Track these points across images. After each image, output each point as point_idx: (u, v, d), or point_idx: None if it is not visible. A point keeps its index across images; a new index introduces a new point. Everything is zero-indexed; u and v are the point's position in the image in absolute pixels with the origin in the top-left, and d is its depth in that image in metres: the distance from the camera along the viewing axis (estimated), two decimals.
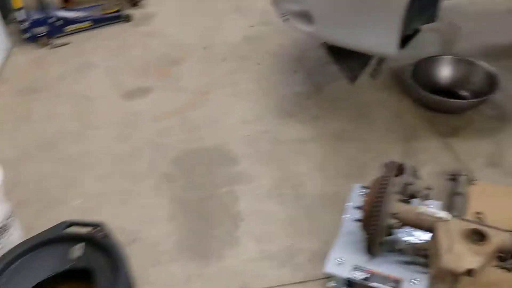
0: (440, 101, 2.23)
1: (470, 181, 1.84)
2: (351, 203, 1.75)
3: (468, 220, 1.47)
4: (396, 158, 1.93)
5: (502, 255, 1.38)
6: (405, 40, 1.93)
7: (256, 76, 2.66)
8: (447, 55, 2.40)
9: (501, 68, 2.34)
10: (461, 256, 1.33)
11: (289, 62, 2.74)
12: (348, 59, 2.11)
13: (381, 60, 2.06)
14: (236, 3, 3.39)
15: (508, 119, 2.21)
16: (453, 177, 1.88)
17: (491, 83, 2.20)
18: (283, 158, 2.11)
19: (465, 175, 1.85)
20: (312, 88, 2.51)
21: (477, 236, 1.38)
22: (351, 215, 1.69)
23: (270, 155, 2.14)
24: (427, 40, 2.65)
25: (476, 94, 2.21)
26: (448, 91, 2.32)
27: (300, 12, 1.95)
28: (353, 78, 2.13)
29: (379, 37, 1.79)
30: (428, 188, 1.58)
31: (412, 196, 1.56)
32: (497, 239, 1.37)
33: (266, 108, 2.41)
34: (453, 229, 1.40)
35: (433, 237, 1.44)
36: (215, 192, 1.98)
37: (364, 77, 2.28)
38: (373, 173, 1.60)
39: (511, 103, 2.28)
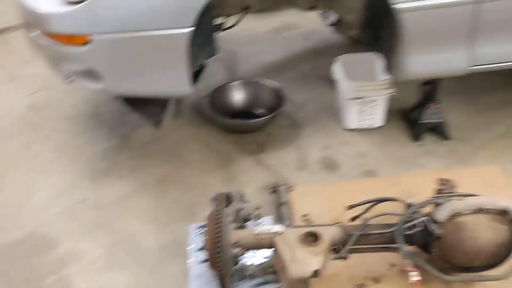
0: (240, 124, 2.39)
1: (289, 188, 2.00)
2: (192, 246, 1.74)
3: (299, 226, 1.59)
4: (219, 187, 2.00)
5: (335, 247, 1.53)
6: (195, 76, 2.02)
7: (55, 143, 2.46)
8: (235, 81, 2.59)
9: (282, 81, 2.63)
10: (304, 261, 1.43)
11: (87, 120, 2.61)
12: (146, 106, 2.11)
13: (179, 99, 2.11)
14: (10, 72, 3.10)
15: (300, 125, 2.47)
16: (274, 189, 2.02)
17: (279, 97, 2.44)
18: (110, 222, 1.99)
19: (282, 184, 2.00)
20: (120, 141, 2.43)
21: (312, 238, 1.51)
22: (196, 258, 1.68)
23: (95, 223, 2.00)
24: (215, 71, 2.82)
25: (270, 110, 2.42)
26: (246, 112, 2.49)
27: (84, 71, 1.87)
28: (157, 122, 2.14)
29: (170, 81, 1.84)
30: (257, 208, 1.67)
31: (246, 220, 1.63)
32: (327, 235, 1.52)
33: (76, 174, 2.25)
34: (290, 239, 1.50)
35: (275, 252, 1.52)
36: (42, 285, 1.76)
37: (168, 118, 2.31)
38: (204, 210, 1.63)
39: (298, 110, 2.56)
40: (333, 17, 2.32)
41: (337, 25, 2.27)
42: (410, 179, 2.04)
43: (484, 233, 1.45)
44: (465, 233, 1.45)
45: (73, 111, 2.70)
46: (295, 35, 3.31)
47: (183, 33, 1.69)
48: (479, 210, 1.45)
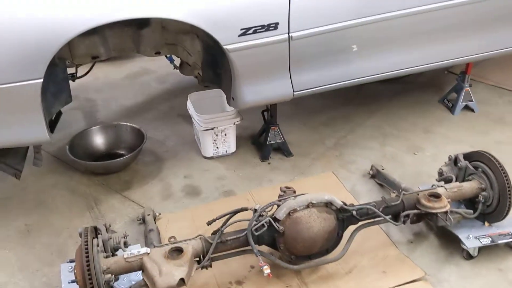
0: (102, 165, 2.51)
1: (156, 217, 2.18)
2: (65, 283, 1.81)
3: (163, 245, 1.77)
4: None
5: (198, 258, 1.73)
6: (52, 124, 2.12)
7: None
8: (96, 126, 2.71)
9: (143, 122, 2.82)
10: (170, 272, 1.61)
11: None
12: (3, 157, 2.14)
13: (38, 147, 2.18)
14: None
15: (163, 159, 2.67)
16: (143, 219, 2.17)
17: (139, 136, 2.61)
18: None
19: (149, 214, 2.16)
20: None
21: (176, 252, 1.69)
22: None
23: None
24: (75, 119, 2.91)
25: (132, 149, 2.58)
26: (109, 154, 2.62)
27: None
28: (17, 173, 2.17)
29: (28, 129, 1.92)
30: (125, 236, 1.81)
31: (116, 248, 1.75)
32: (190, 248, 1.71)
33: None
34: (156, 257, 1.67)
35: (144, 272, 1.67)
36: None
37: (28, 168, 2.34)
38: (75, 249, 1.72)
39: (160, 146, 2.76)
40: (176, 60, 2.58)
41: (181, 67, 2.54)
42: (262, 193, 2.35)
43: (316, 223, 1.77)
44: (301, 226, 1.76)
45: None
46: (152, 79, 3.54)
47: (34, 84, 1.81)
48: (309, 205, 1.77)
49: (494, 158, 1.95)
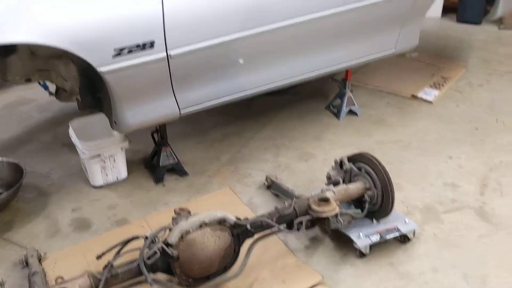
0: None
1: (42, 257, 2.00)
2: None
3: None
4: None
5: None
6: None
7: None
8: None
9: (23, 155, 2.61)
10: None
11: None
12: None
13: None
14: None
15: (48, 193, 2.48)
16: (25, 262, 1.98)
17: (17, 172, 2.40)
18: None
19: (32, 255, 1.98)
20: None
21: None
22: None
23: None
24: None
25: (10, 186, 2.36)
26: None
27: None
28: None
29: None
30: (2, 284, 1.63)
31: None
32: (75, 287, 1.59)
33: None
34: None
35: None
36: None
37: None
38: None
39: (44, 180, 2.57)
40: (51, 87, 2.42)
41: (58, 94, 2.39)
42: (157, 218, 2.26)
43: (211, 243, 1.73)
44: (195, 247, 1.71)
45: None
46: (31, 108, 3.30)
47: None
48: (202, 225, 1.73)
49: (374, 158, 2.05)
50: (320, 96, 3.36)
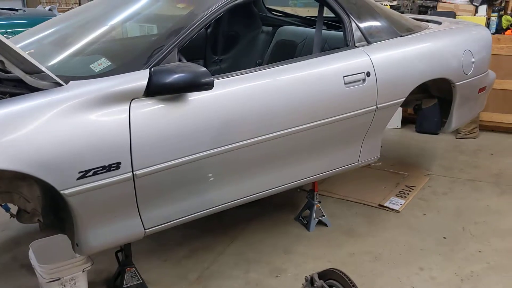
0: None
1: None
2: None
3: None
4: None
5: None
6: None
7: None
8: None
9: None
10: None
11: None
12: None
13: None
14: None
15: None
16: None
17: None
18: None
19: None
20: None
21: None
22: None
23: None
24: None
25: None
26: None
27: None
28: None
29: None
30: None
31: None
32: None
33: None
34: None
35: None
36: None
37: None
38: None
39: None
40: (13, 208, 2.36)
41: (19, 215, 2.32)
42: None
43: None
44: None
45: None
46: None
47: None
48: None
49: (344, 275, 2.00)
50: (289, 207, 3.37)
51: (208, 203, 2.41)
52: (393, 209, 3.31)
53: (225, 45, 3.77)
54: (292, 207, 3.36)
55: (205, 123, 2.22)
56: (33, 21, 4.77)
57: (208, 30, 3.72)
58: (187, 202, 2.32)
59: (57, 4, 9.25)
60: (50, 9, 6.13)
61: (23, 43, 2.61)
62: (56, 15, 5.57)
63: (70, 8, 9.28)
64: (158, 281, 2.59)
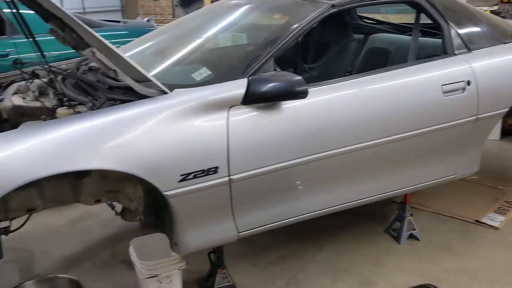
0: None
1: None
2: None
3: None
4: None
5: None
6: None
7: None
8: (30, 280, 2.52)
9: (83, 273, 2.65)
10: None
11: None
12: None
13: None
14: None
15: None
16: None
17: None
18: None
19: None
20: None
21: None
22: None
23: None
24: (7, 273, 2.70)
25: None
26: None
27: None
28: None
29: None
30: None
31: None
32: None
33: None
34: None
35: None
36: None
37: None
38: None
39: None
40: (118, 207, 2.53)
41: (123, 214, 2.48)
42: None
43: None
44: None
45: None
46: (94, 224, 3.42)
47: None
48: None
49: None
50: (379, 218, 3.29)
51: (298, 210, 2.43)
52: (492, 226, 3.12)
53: (316, 53, 3.78)
54: (381, 219, 3.28)
55: (297, 131, 2.25)
56: (134, 32, 5.11)
57: (299, 39, 3.74)
58: (278, 208, 2.35)
59: (153, 15, 9.83)
60: (148, 20, 6.51)
61: (129, 53, 2.80)
62: (153, 26, 5.92)
63: (165, 19, 9.81)
64: (247, 285, 2.65)
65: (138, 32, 4.99)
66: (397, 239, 3.03)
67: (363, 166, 2.51)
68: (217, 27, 2.90)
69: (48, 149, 1.87)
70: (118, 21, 6.09)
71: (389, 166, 2.59)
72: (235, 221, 2.22)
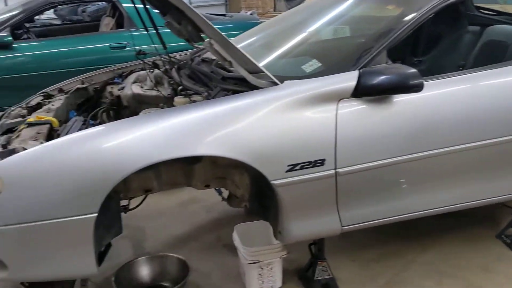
0: None
1: None
2: None
3: None
4: None
5: None
6: (101, 256, 2.14)
7: None
8: (142, 256, 2.72)
9: (188, 253, 2.81)
10: None
11: None
12: None
13: (85, 280, 2.18)
14: None
15: None
16: None
17: (184, 269, 2.58)
18: None
19: None
20: None
21: None
22: None
23: None
24: (122, 248, 2.94)
25: (176, 282, 2.54)
26: (154, 286, 2.59)
27: None
28: None
29: (77, 263, 1.95)
30: None
31: None
32: None
33: None
34: None
35: None
36: None
37: None
38: None
39: (204, 279, 2.71)
40: (225, 193, 2.64)
41: (229, 199, 2.59)
42: None
43: None
44: None
45: None
46: (199, 208, 3.59)
47: (89, 218, 1.87)
48: None
49: None
50: (489, 222, 3.09)
51: (404, 209, 2.36)
52: None
53: (426, 46, 3.62)
54: (492, 223, 3.08)
55: (408, 126, 2.18)
56: (238, 25, 5.25)
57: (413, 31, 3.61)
58: (384, 205, 2.30)
59: (255, 8, 10.04)
60: (251, 14, 6.67)
61: (238, 46, 2.89)
62: (257, 19, 6.04)
63: (266, 12, 9.96)
64: (347, 280, 2.63)
65: (242, 26, 5.13)
66: (510, 246, 2.82)
67: (476, 166, 2.37)
68: (325, 20, 2.88)
69: (166, 135, 2.00)
70: (224, 15, 6.29)
71: (504, 167, 2.42)
72: (339, 214, 2.21)
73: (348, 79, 2.08)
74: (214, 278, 2.74)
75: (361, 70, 2.09)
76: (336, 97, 2.08)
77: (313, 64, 2.26)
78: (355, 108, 2.10)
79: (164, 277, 2.64)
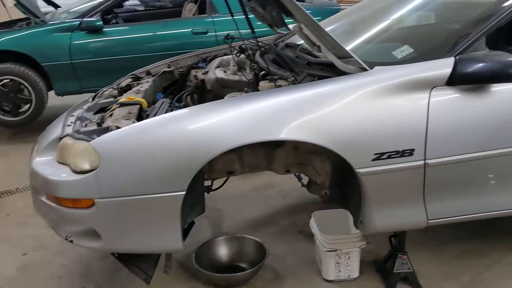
0: (223, 278, 2.53)
1: None
2: None
3: None
4: None
5: None
6: (184, 234, 2.22)
7: None
8: (221, 236, 2.79)
9: (264, 236, 2.84)
10: None
11: (77, 280, 2.70)
12: (138, 262, 2.26)
13: (169, 255, 2.28)
14: (3, 233, 3.25)
15: (282, 277, 2.61)
16: None
17: (261, 251, 2.62)
18: None
19: None
20: None
21: None
22: None
23: None
24: (202, 227, 3.03)
25: (253, 264, 2.58)
26: (231, 266, 2.65)
27: (84, 231, 2.07)
28: (147, 278, 2.26)
29: (164, 238, 2.04)
30: None
31: None
32: None
33: None
34: None
35: None
36: None
37: (157, 273, 2.43)
38: None
39: (280, 263, 2.73)
40: (304, 179, 2.63)
41: (309, 186, 2.57)
42: None
43: None
44: None
45: (64, 271, 2.80)
46: (276, 193, 3.62)
47: (178, 196, 1.95)
48: None
49: None
50: None
51: (491, 206, 2.25)
52: None
53: None
54: None
55: (505, 118, 2.05)
56: (317, 11, 5.18)
57: None
58: (473, 200, 2.19)
59: None
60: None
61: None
62: (337, 5, 5.92)
63: None
64: (427, 275, 2.54)
65: (321, 11, 5.06)
66: None
67: None
68: (416, 4, 2.77)
69: (251, 119, 2.02)
70: (303, 0, 6.22)
71: None
72: (426, 207, 2.13)
73: (443, 66, 1.99)
74: (290, 262, 2.75)
75: (457, 57, 1.99)
76: (430, 85, 1.99)
77: (405, 50, 2.17)
78: (449, 97, 2.00)
79: (242, 258, 2.69)
